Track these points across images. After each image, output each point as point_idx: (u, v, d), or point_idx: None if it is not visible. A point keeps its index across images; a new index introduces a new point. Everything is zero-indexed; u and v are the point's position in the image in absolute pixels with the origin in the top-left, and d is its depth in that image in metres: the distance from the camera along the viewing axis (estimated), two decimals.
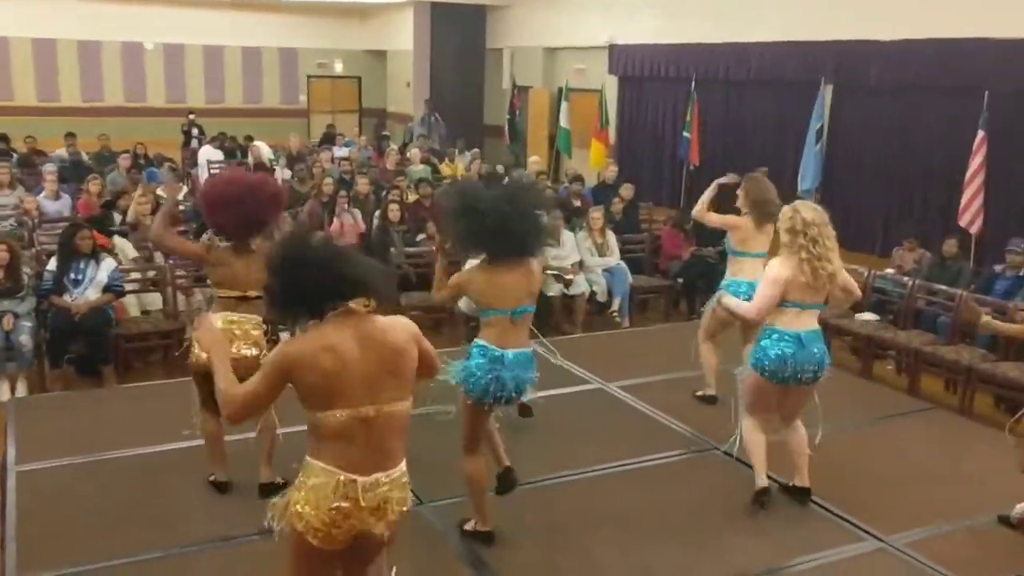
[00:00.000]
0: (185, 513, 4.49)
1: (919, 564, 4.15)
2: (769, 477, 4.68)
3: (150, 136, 15.73)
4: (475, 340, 4.07)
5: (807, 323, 4.45)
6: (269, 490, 4.48)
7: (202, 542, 4.25)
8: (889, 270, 8.40)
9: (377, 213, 9.47)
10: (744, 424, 4.67)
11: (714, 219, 5.92)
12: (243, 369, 3.50)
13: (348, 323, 2.76)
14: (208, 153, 14.77)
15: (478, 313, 4.08)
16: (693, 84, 12.88)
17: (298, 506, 2.78)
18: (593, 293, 8.69)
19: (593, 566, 4.14)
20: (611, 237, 9.04)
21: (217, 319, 4.37)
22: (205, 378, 4.49)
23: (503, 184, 4.41)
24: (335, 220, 9.50)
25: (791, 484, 4.73)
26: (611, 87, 14.80)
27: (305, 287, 2.72)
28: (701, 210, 5.97)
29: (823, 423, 4.70)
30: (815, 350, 4.43)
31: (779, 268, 4.39)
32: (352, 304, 2.78)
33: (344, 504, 2.76)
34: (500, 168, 12.71)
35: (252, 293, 4.44)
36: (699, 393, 6.09)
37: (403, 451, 2.92)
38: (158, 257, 7.87)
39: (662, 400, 6.07)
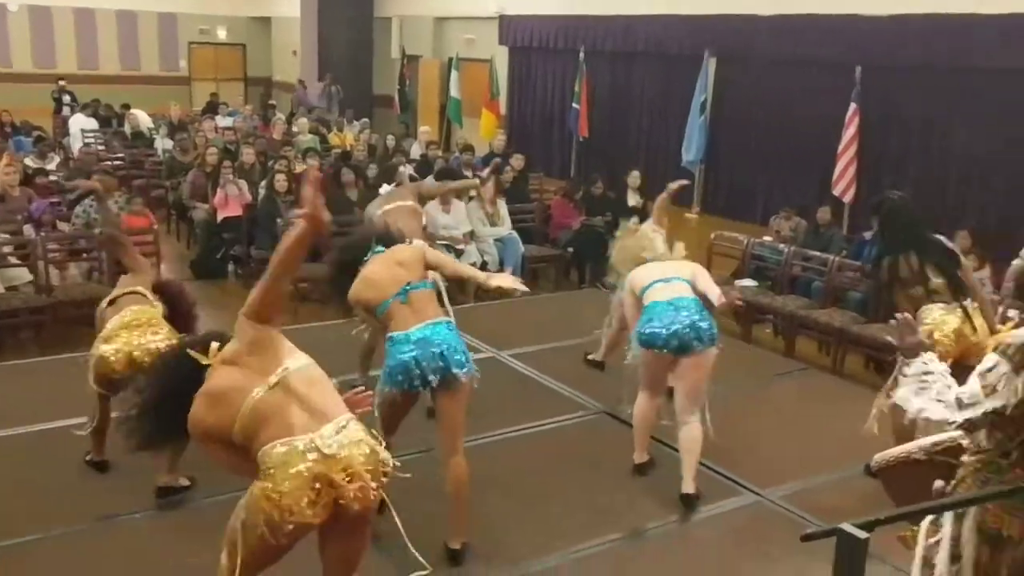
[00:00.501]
0: (63, 493, 4.34)
1: (792, 514, 4.38)
2: (655, 439, 4.84)
3: (16, 103, 14.93)
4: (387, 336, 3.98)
5: (677, 292, 4.56)
6: (167, 493, 4.36)
7: (82, 522, 4.12)
8: (767, 238, 8.72)
9: (263, 184, 9.26)
10: (638, 397, 4.75)
11: None
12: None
13: (215, 369, 2.94)
14: (81, 122, 14.11)
15: (377, 314, 4.01)
16: (582, 55, 13.00)
17: (270, 492, 2.68)
18: (484, 263, 8.74)
19: (487, 528, 4.20)
20: (502, 207, 9.09)
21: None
22: (104, 395, 4.35)
23: None
24: (219, 191, 9.23)
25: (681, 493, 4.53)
26: (501, 57, 14.79)
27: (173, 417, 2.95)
28: None
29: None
30: (687, 313, 4.45)
31: (629, 279, 4.74)
32: (208, 361, 2.97)
33: (314, 463, 2.69)
34: (391, 139, 12.58)
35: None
36: (590, 356, 6.20)
37: (340, 402, 2.92)
38: (27, 230, 7.51)
39: (553, 367, 6.18)
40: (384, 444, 3.84)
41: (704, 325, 4.47)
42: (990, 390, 2.47)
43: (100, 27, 19.55)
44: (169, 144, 12.27)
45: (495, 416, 5.37)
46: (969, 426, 2.52)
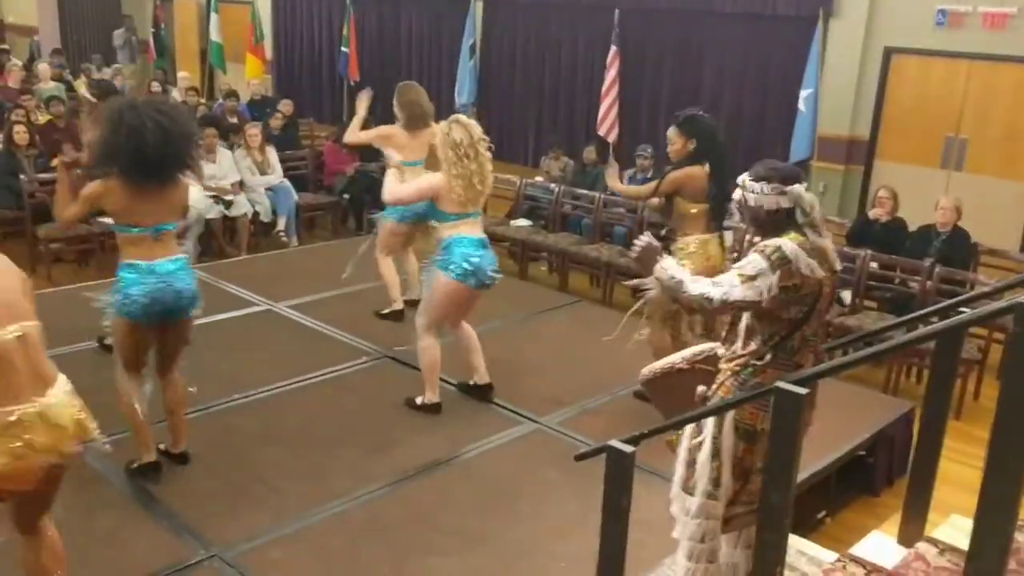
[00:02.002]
0: None
1: (569, 438, 4.61)
2: (446, 381, 4.94)
3: None
4: (121, 262, 3.85)
5: (480, 230, 4.65)
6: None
7: None
8: (539, 178, 9.00)
9: (0, 137, 8.41)
10: (424, 340, 4.74)
11: (364, 136, 5.91)
12: None
13: None
14: None
15: (116, 229, 3.86)
16: None
17: None
18: (256, 213, 8.44)
19: (267, 479, 4.15)
20: (272, 154, 8.78)
21: None
22: None
23: (161, 105, 4.00)
24: None
25: (471, 383, 4.97)
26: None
27: None
28: (351, 133, 5.97)
29: (486, 323, 4.99)
30: (490, 253, 4.65)
31: (432, 177, 4.58)
32: None
33: None
34: (156, 86, 11.80)
35: None
36: (384, 311, 6.08)
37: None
38: None
39: (333, 315, 6.10)
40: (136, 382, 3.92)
41: (495, 263, 4.70)
42: (746, 279, 2.68)
43: None
44: None
45: (272, 368, 5.27)
46: (722, 306, 2.71)
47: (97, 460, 4.17)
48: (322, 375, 5.26)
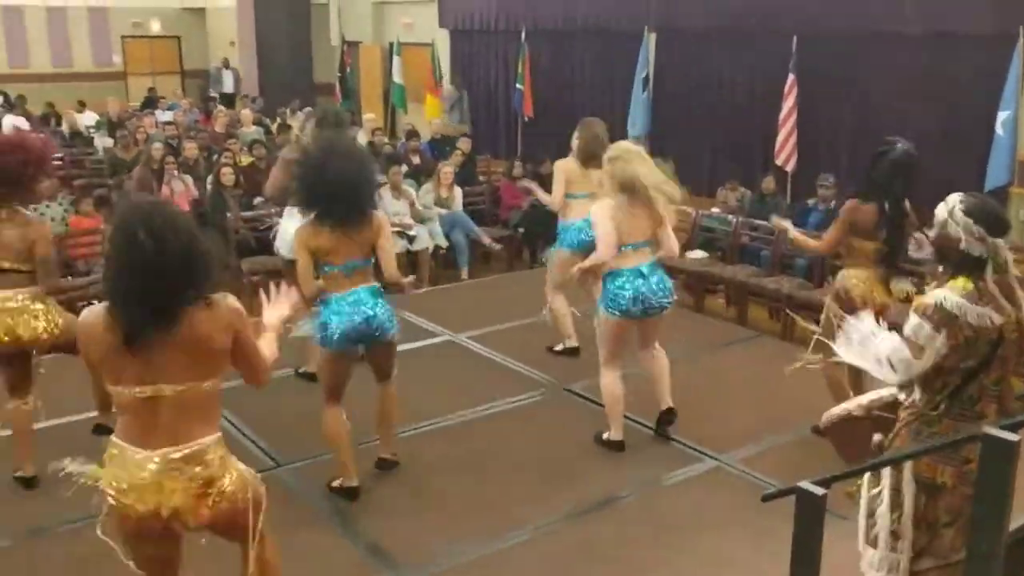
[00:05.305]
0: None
1: (750, 477, 4.52)
2: (627, 417, 4.91)
3: None
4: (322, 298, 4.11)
5: (643, 258, 4.63)
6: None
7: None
8: (715, 209, 8.87)
9: (210, 178, 9.17)
10: (604, 376, 4.76)
11: (556, 191, 5.86)
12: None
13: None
14: (13, 122, 13.72)
15: (321, 269, 4.11)
16: (523, 36, 13.01)
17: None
18: (437, 247, 8.76)
19: (449, 505, 4.29)
20: (458, 193, 9.12)
21: None
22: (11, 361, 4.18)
23: (338, 143, 4.26)
24: (164, 187, 9.11)
25: (664, 409, 4.90)
26: (442, 41, 14.73)
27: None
28: (554, 202, 5.90)
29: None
30: (656, 279, 4.62)
31: (606, 208, 4.59)
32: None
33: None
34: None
35: (5, 264, 4.05)
36: (558, 348, 6.10)
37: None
38: None
39: (511, 346, 6.24)
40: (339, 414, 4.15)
41: (664, 288, 4.63)
42: (918, 351, 2.61)
43: (29, 24, 19.02)
44: (108, 142, 12.03)
45: (455, 398, 5.43)
46: (905, 386, 2.67)
47: (295, 481, 4.47)
48: (502, 405, 5.40)
